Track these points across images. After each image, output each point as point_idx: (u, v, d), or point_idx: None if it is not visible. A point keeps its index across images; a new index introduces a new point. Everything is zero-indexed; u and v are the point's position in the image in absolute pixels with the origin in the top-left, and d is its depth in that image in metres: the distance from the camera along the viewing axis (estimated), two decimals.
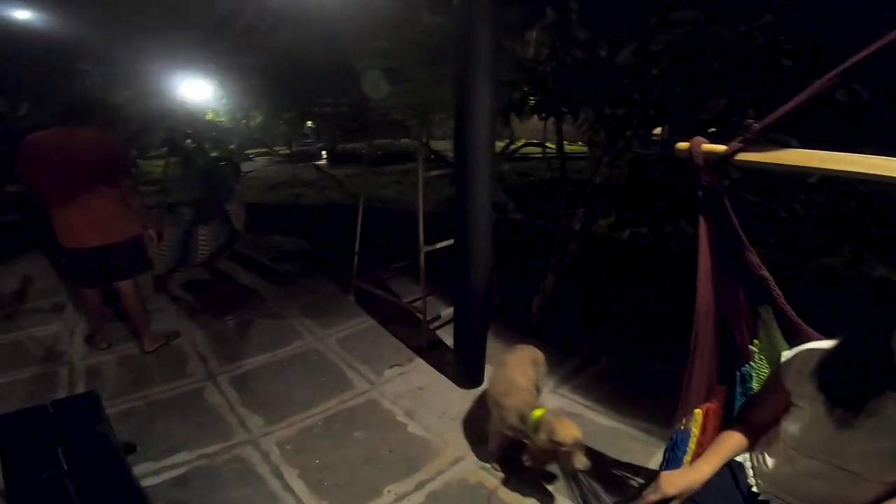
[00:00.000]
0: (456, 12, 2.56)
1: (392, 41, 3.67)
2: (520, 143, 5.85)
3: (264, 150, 10.64)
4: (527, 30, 3.24)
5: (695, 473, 1.46)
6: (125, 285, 3.35)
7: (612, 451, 2.48)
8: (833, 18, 2.38)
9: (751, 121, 1.45)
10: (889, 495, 1.23)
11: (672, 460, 1.61)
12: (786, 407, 1.41)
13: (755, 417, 1.54)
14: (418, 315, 3.55)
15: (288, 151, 12.07)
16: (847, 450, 1.27)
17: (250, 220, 5.03)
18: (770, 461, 1.43)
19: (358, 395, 2.98)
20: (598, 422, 2.72)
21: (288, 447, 2.55)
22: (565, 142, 3.61)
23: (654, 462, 2.39)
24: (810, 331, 1.51)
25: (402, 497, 2.23)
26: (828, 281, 4.15)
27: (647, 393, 2.94)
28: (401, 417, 2.76)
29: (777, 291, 1.53)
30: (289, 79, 4.95)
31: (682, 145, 1.59)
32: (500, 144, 6.04)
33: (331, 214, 7.58)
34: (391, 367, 3.25)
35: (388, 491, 2.26)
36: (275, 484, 2.32)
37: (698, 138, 1.55)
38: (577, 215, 3.85)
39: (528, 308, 3.69)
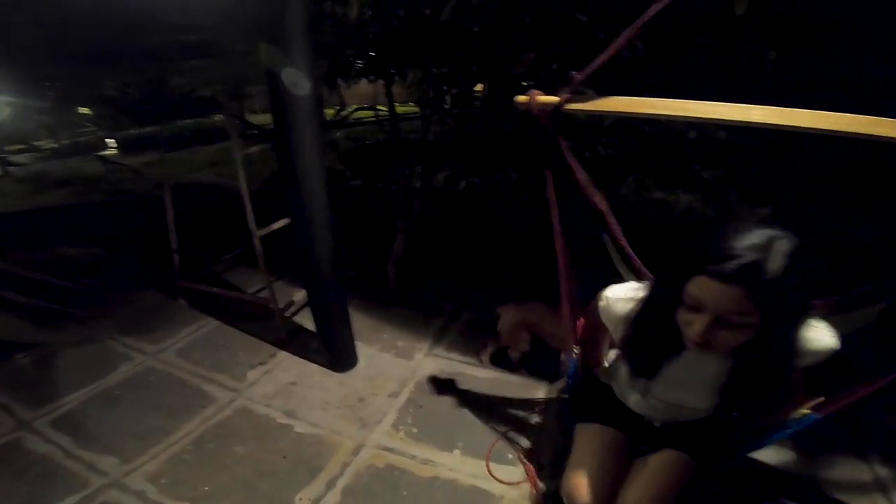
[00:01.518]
0: None
1: (192, 14, 3.23)
2: (351, 109, 5.62)
3: (22, 146, 8.75)
4: None
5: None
6: None
7: (497, 401, 2.60)
8: None
9: (573, 73, 1.59)
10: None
11: (570, 387, 1.91)
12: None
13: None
14: (268, 306, 3.27)
15: (55, 145, 10.05)
16: (662, 392, 1.52)
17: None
18: (621, 376, 1.67)
19: (223, 407, 2.65)
20: (478, 375, 2.82)
21: (163, 481, 2.21)
22: (398, 103, 3.54)
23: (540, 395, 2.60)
24: (637, 260, 1.72)
25: (316, 502, 2.08)
26: (623, 208, 4.82)
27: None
28: (282, 419, 2.54)
29: (612, 221, 1.73)
30: (45, 59, 4.09)
31: (522, 98, 1.71)
32: (330, 112, 5.75)
33: (131, 211, 6.57)
34: (253, 367, 2.95)
35: (300, 499, 2.09)
36: None
37: (534, 91, 1.67)
38: (415, 174, 3.84)
39: (385, 275, 3.63)
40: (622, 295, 1.48)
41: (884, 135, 1.24)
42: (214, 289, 3.58)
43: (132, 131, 10.56)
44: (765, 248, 1.06)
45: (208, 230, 4.47)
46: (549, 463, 2.21)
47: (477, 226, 4.68)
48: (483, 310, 3.41)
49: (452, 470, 2.21)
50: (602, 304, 1.53)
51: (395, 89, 3.48)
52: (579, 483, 1.55)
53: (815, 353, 1.26)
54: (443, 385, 2.75)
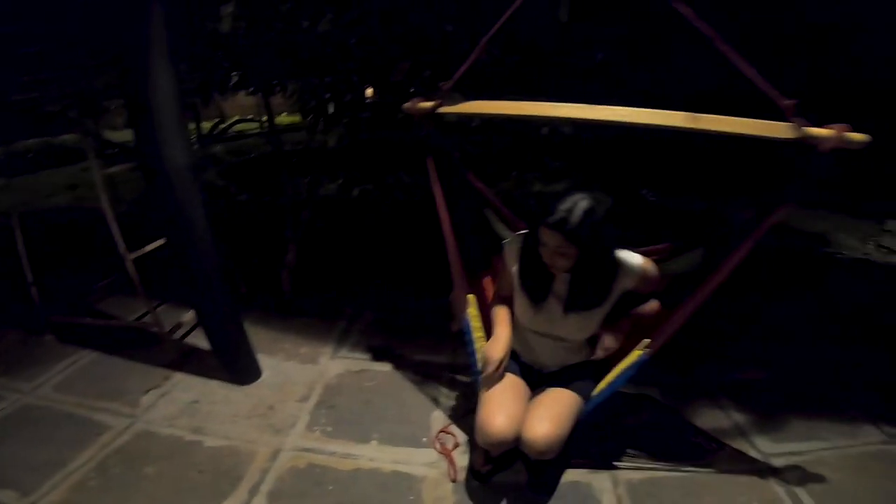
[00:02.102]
0: None
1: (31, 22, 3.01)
2: (231, 121, 5.40)
3: None
4: (223, 4, 3.03)
5: (501, 338, 2.04)
6: None
7: (403, 390, 2.76)
8: None
9: (442, 83, 2.04)
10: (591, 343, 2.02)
11: (469, 342, 2.23)
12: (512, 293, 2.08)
13: (505, 294, 2.13)
14: (153, 330, 3.12)
15: None
16: (549, 324, 1.99)
17: None
18: (518, 334, 2.11)
19: (120, 433, 2.50)
20: (383, 370, 2.95)
21: None
22: (284, 113, 3.60)
23: (443, 389, 2.77)
24: (512, 215, 2.33)
25: None
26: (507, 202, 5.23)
27: (414, 330, 3.31)
28: (190, 437, 2.46)
29: (492, 196, 2.29)
30: None
31: (406, 105, 2.16)
32: (207, 125, 5.46)
33: None
34: (146, 392, 2.80)
35: None
36: None
37: (416, 98, 2.13)
38: (302, 184, 3.87)
39: (280, 286, 3.61)
40: (515, 237, 2.03)
41: (674, 125, 1.73)
42: (89, 319, 3.33)
43: None
44: (570, 208, 1.67)
45: (74, 259, 4.10)
46: (465, 440, 2.39)
47: (372, 230, 4.78)
48: (385, 308, 3.60)
49: (372, 460, 2.30)
50: (506, 242, 2.05)
51: (278, 100, 3.52)
52: (489, 416, 1.89)
53: (629, 268, 1.87)
54: (351, 383, 2.83)
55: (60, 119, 3.79)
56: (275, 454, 2.35)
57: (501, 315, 2.11)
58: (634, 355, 1.91)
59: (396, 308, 3.62)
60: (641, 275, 1.88)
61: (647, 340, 1.89)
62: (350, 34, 3.04)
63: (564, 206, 1.68)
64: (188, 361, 3.08)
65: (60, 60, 3.23)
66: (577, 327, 1.98)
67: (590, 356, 2.04)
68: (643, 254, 1.94)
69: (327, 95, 3.43)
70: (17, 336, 3.46)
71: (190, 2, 2.69)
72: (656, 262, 1.95)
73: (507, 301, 2.12)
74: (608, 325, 1.99)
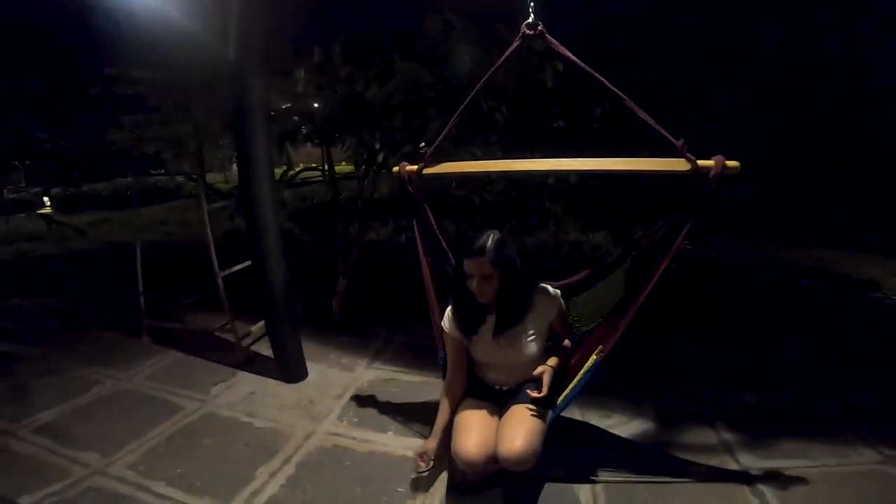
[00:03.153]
0: (232, 66, 3.02)
1: (150, 68, 3.71)
2: (298, 168, 6.24)
3: None
4: (296, 69, 3.77)
5: (434, 433, 2.39)
6: None
7: (423, 396, 3.20)
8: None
9: (424, 147, 2.52)
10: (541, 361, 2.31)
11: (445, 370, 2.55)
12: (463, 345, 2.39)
13: (454, 359, 2.46)
14: (227, 338, 3.79)
15: None
16: (495, 353, 2.32)
17: None
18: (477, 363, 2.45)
19: (191, 413, 3.12)
20: (409, 380, 3.44)
21: (140, 468, 2.63)
22: (343, 162, 4.25)
23: None
24: None
25: (273, 474, 2.55)
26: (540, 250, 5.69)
27: (435, 352, 3.74)
28: (244, 419, 3.03)
29: (444, 245, 2.60)
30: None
31: (395, 169, 2.57)
32: (277, 171, 6.33)
33: (78, 267, 6.90)
34: (215, 384, 3.44)
35: (260, 473, 2.56)
36: (146, 497, 2.41)
37: (404, 162, 2.55)
38: (353, 227, 4.49)
39: (331, 311, 4.22)
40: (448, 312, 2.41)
41: (644, 169, 2.12)
42: (178, 325, 4.06)
43: (69, 189, 10.61)
44: (484, 240, 2.12)
45: (164, 283, 4.93)
46: None
47: (409, 270, 5.35)
48: (414, 334, 4.10)
49: (387, 445, 2.75)
50: (443, 322, 2.43)
51: (337, 152, 4.19)
52: (462, 444, 2.16)
53: (545, 292, 2.30)
54: (379, 388, 3.33)
55: (151, 160, 4.40)
56: (308, 436, 2.86)
57: (442, 407, 2.43)
58: (591, 360, 2.26)
59: (424, 335, 4.09)
60: (558, 300, 2.32)
61: (600, 347, 2.27)
62: (391, 98, 3.63)
63: (479, 240, 2.14)
64: (251, 364, 3.71)
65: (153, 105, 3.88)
66: (513, 350, 2.30)
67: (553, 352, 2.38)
68: (564, 284, 2.40)
69: (378, 147, 4.04)
70: (116, 338, 4.28)
71: (269, 71, 3.37)
72: (579, 289, 2.41)
73: (458, 369, 2.45)
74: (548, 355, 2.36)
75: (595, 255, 5.72)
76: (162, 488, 2.47)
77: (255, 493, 2.42)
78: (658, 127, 2.06)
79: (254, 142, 3.09)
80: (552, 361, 2.31)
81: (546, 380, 2.20)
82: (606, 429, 2.86)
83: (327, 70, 3.69)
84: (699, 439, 2.76)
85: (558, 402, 2.33)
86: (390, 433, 2.86)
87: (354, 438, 2.82)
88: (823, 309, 4.39)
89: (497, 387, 2.43)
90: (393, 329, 4.23)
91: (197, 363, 3.77)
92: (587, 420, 2.93)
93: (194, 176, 5.82)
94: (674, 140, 2.02)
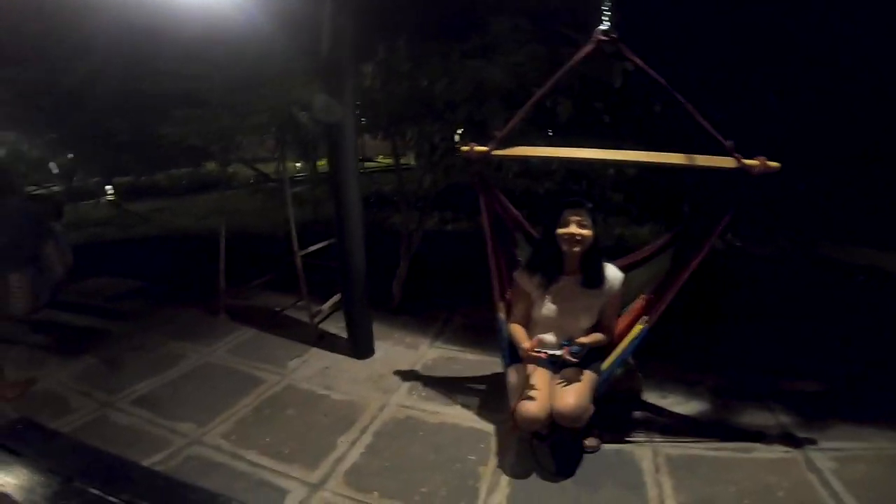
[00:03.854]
0: (326, 52, 3.23)
1: (199, 63, 3.86)
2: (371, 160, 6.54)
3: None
4: (363, 63, 3.97)
5: (525, 338, 2.54)
6: None
7: (484, 373, 3.42)
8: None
9: (496, 132, 2.66)
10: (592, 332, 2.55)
11: (501, 336, 2.78)
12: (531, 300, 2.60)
13: (519, 314, 2.69)
14: (296, 317, 4.07)
15: (59, 188, 10.69)
16: (554, 315, 2.53)
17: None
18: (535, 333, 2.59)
19: (272, 385, 3.41)
20: (469, 358, 3.68)
21: (233, 437, 2.91)
22: (382, 156, 4.46)
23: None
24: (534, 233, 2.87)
25: (353, 442, 2.81)
26: None
27: (491, 333, 3.82)
28: (321, 391, 3.31)
29: (525, 224, 2.87)
30: (70, 106, 4.64)
31: (464, 148, 2.74)
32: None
33: (147, 251, 7.39)
34: (292, 359, 3.73)
35: (341, 441, 2.82)
36: (241, 465, 2.68)
37: (472, 143, 2.72)
38: (414, 215, 4.70)
39: (390, 294, 4.48)
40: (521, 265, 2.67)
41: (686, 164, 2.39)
42: (254, 303, 4.38)
43: (126, 179, 11.15)
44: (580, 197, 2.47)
45: (234, 265, 5.26)
46: None
47: (463, 257, 5.57)
48: (471, 316, 4.32)
49: (455, 417, 2.99)
50: (516, 272, 2.66)
51: (385, 143, 4.41)
52: (522, 403, 2.34)
53: (615, 274, 2.51)
54: (443, 365, 3.59)
55: (201, 152, 4.62)
56: (381, 407, 3.11)
57: (520, 330, 2.62)
58: (636, 330, 2.51)
59: (481, 317, 4.31)
60: (620, 282, 2.52)
61: (645, 317, 2.51)
62: (457, 94, 3.80)
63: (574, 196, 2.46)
64: (322, 340, 4.00)
65: (202, 98, 4.10)
66: (571, 317, 2.52)
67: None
68: (621, 264, 2.62)
69: (434, 142, 4.23)
70: (198, 314, 4.64)
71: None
72: (630, 268, 2.66)
73: (523, 316, 2.66)
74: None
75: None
76: (254, 456, 2.73)
77: (339, 460, 2.67)
78: (710, 128, 2.27)
79: (344, 131, 3.34)
80: (595, 336, 2.53)
81: (586, 341, 2.44)
82: (665, 407, 3.03)
83: (391, 66, 3.89)
84: (756, 420, 2.90)
85: (605, 366, 2.54)
86: (457, 407, 3.09)
87: (424, 410, 3.06)
88: (878, 303, 4.39)
89: (549, 351, 2.55)
90: (450, 311, 4.47)
91: (272, 339, 4.08)
92: (645, 399, 3.10)
93: (255, 166, 6.13)
94: (724, 141, 2.24)
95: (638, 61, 2.30)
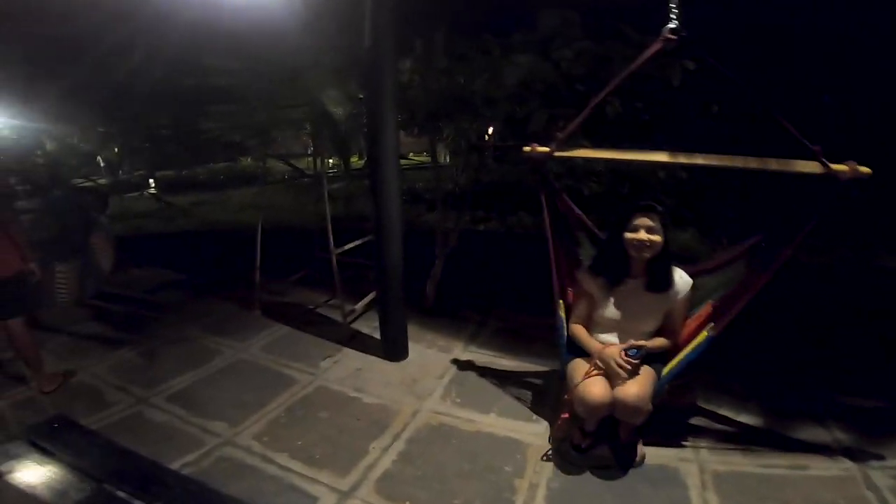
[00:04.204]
0: (367, 47, 3.16)
1: (237, 59, 3.84)
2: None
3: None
4: (401, 59, 3.90)
5: (595, 344, 2.51)
6: (14, 324, 3.26)
7: (520, 380, 3.32)
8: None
9: (557, 133, 2.59)
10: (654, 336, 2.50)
11: (560, 334, 2.73)
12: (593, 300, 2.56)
13: (581, 314, 2.64)
14: (329, 315, 4.05)
15: (104, 181, 11.00)
16: (626, 311, 2.48)
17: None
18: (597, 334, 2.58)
19: (304, 386, 3.37)
20: (504, 364, 3.57)
21: (265, 439, 2.88)
22: (412, 153, 4.39)
23: (553, 382, 3.27)
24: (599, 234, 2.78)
25: (386, 449, 2.75)
26: None
27: (527, 338, 3.90)
28: (353, 394, 3.25)
29: (589, 224, 2.79)
30: (116, 100, 4.71)
31: (526, 149, 2.67)
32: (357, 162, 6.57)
33: (187, 243, 7.51)
34: (324, 359, 3.69)
35: (373, 447, 2.76)
36: (271, 468, 2.64)
37: (534, 144, 2.65)
38: (451, 215, 4.62)
39: (423, 295, 4.41)
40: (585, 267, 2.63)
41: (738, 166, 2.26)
42: (287, 300, 4.38)
43: (168, 172, 11.44)
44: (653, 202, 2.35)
45: (268, 260, 5.28)
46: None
47: (496, 258, 5.48)
48: (506, 320, 4.22)
49: (491, 426, 2.90)
50: (580, 271, 2.62)
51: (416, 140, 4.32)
52: (587, 387, 2.31)
53: (683, 279, 2.45)
54: (478, 369, 3.48)
55: (238, 147, 4.66)
56: (414, 413, 3.04)
57: (584, 333, 2.59)
58: (702, 336, 2.45)
59: (516, 321, 4.25)
60: (689, 289, 2.45)
61: (712, 324, 2.46)
62: (499, 91, 3.70)
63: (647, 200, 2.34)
64: (355, 340, 3.95)
65: (251, 94, 4.09)
66: (649, 310, 2.47)
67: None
68: (693, 272, 2.53)
69: (474, 138, 4.14)
70: (232, 309, 4.65)
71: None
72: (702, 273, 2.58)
73: (584, 317, 2.61)
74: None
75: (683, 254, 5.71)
76: (285, 460, 2.68)
77: (370, 467, 2.61)
78: (795, 131, 2.16)
79: (384, 127, 3.27)
80: (658, 341, 2.47)
81: (648, 345, 2.39)
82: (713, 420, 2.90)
83: (429, 61, 3.81)
84: (810, 436, 2.76)
85: (665, 370, 2.48)
86: (492, 414, 3.00)
87: (459, 418, 2.97)
88: None
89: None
90: (484, 314, 4.38)
91: (305, 337, 4.05)
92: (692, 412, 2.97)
93: (290, 161, 6.15)
94: (810, 145, 2.14)
95: (713, 62, 2.19)
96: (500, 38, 3.58)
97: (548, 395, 3.17)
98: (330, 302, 4.28)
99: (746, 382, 3.23)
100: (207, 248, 7.15)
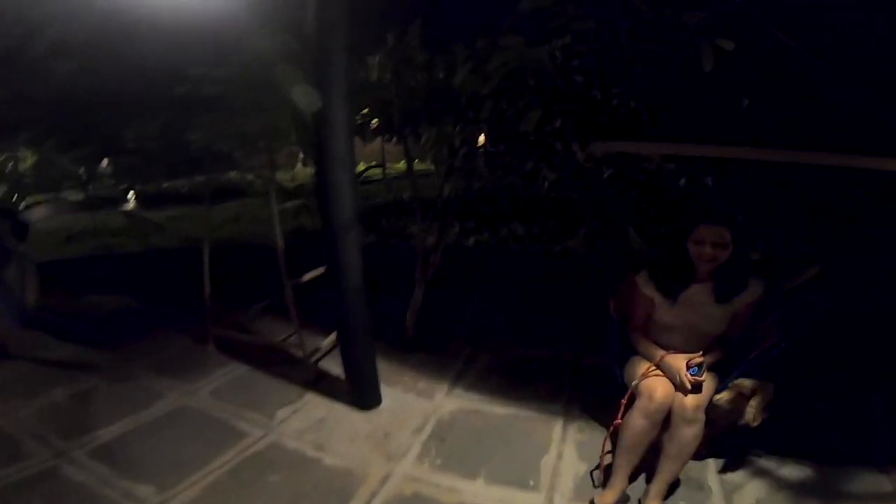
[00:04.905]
0: (314, 40, 2.65)
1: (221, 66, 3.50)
2: (361, 168, 5.94)
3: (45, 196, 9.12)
4: (370, 54, 3.38)
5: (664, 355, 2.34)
6: None
7: (515, 434, 2.76)
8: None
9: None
10: (716, 342, 2.37)
11: (612, 338, 2.53)
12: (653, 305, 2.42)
13: (640, 315, 2.50)
14: (295, 352, 3.48)
15: (80, 197, 10.43)
16: (681, 319, 2.35)
17: (44, 285, 4.26)
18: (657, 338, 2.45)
19: (255, 441, 2.79)
20: (496, 412, 2.98)
21: None
22: (396, 162, 3.86)
23: (555, 435, 2.74)
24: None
25: None
26: None
27: (528, 377, 3.33)
28: (312, 452, 2.67)
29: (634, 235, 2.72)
30: (82, 109, 4.32)
31: (590, 148, 2.65)
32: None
33: (156, 264, 6.94)
34: (282, 406, 3.11)
35: None
36: None
37: (597, 142, 2.57)
38: (432, 229, 4.07)
39: (403, 324, 3.83)
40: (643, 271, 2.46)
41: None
42: (244, 335, 3.80)
43: (150, 186, 10.94)
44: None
45: (235, 283, 4.71)
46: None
47: (488, 276, 4.89)
48: (500, 353, 3.66)
49: (477, 496, 2.33)
50: (639, 275, 2.45)
51: (397, 148, 3.79)
52: (652, 382, 2.21)
53: (753, 286, 2.28)
54: (464, 420, 2.90)
55: (226, 158, 4.25)
56: (385, 479, 2.46)
57: (644, 340, 2.46)
58: (771, 344, 2.21)
59: (512, 354, 3.67)
60: (760, 290, 2.29)
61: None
62: (484, 85, 3.20)
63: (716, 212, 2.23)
64: (321, 383, 3.36)
65: (230, 102, 3.69)
66: (714, 315, 2.32)
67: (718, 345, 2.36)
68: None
69: (456, 145, 3.61)
70: (185, 344, 4.05)
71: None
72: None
73: (643, 323, 2.49)
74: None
75: None
76: None
77: None
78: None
79: (333, 133, 2.71)
80: (718, 354, 2.34)
81: (709, 360, 2.26)
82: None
83: (403, 56, 3.29)
84: (869, 486, 2.31)
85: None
86: (480, 480, 2.43)
87: (439, 486, 2.40)
88: None
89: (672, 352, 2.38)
90: (474, 347, 3.78)
91: (263, 379, 3.46)
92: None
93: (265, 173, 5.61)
94: None
95: (778, 33, 1.75)
96: (484, 25, 3.06)
97: (549, 451, 2.61)
98: (289, 339, 3.71)
99: (797, 426, 2.69)
100: (175, 269, 6.45)
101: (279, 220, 3.44)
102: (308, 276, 3.49)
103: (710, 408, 2.24)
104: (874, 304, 3.26)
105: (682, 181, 4.09)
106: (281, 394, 3.25)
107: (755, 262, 2.40)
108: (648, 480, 2.24)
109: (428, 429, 2.84)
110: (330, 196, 2.78)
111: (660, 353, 2.34)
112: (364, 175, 6.09)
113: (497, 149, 3.90)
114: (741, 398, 2.36)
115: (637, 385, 2.26)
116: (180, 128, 3.80)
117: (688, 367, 2.18)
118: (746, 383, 2.38)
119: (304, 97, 2.65)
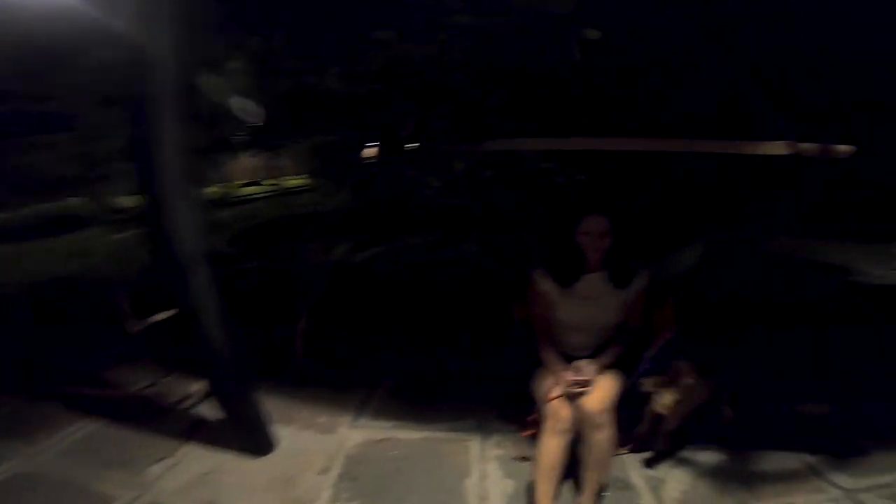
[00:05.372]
0: (132, 44, 2.17)
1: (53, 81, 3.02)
2: (237, 185, 5.37)
3: None
4: (228, 62, 3.04)
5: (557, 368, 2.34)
6: None
7: (432, 458, 2.56)
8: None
9: None
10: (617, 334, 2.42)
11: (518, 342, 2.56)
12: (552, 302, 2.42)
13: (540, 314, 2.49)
14: (160, 401, 2.97)
15: None
16: (579, 313, 2.39)
17: None
18: (558, 336, 2.46)
19: None
20: (408, 437, 2.76)
21: None
22: (288, 176, 3.56)
23: (473, 454, 2.59)
24: None
25: None
26: None
27: (437, 396, 3.16)
28: None
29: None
30: None
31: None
32: (216, 191, 5.43)
33: None
34: (155, 462, 2.59)
35: None
36: None
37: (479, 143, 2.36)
38: (311, 249, 3.76)
39: (293, 354, 3.45)
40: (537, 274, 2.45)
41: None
42: (93, 389, 3.18)
43: None
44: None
45: (82, 326, 3.97)
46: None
47: (383, 294, 4.61)
48: (404, 374, 3.45)
49: None
50: (534, 271, 2.45)
51: (285, 161, 3.50)
52: (556, 402, 2.15)
53: (641, 274, 2.37)
54: (375, 453, 2.64)
55: (66, 183, 3.76)
56: None
57: (551, 353, 2.40)
58: (664, 337, 2.38)
59: (417, 373, 3.48)
60: (647, 278, 2.39)
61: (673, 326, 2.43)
62: (358, 88, 3.02)
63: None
64: (198, 432, 2.87)
65: (71, 121, 3.23)
66: (609, 304, 2.38)
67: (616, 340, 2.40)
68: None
69: (335, 155, 3.39)
70: (22, 404, 3.25)
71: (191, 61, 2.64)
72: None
73: (547, 325, 2.46)
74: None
75: None
76: None
77: None
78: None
79: (160, 150, 2.20)
80: (615, 352, 2.37)
81: (606, 362, 2.32)
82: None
83: (269, 61, 3.02)
84: (779, 465, 2.45)
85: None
86: None
87: None
88: None
89: (575, 353, 2.42)
90: (376, 371, 3.49)
91: (125, 435, 2.86)
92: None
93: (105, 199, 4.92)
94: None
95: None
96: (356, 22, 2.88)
97: (471, 473, 2.44)
98: (151, 387, 3.17)
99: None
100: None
101: (128, 250, 2.98)
102: (158, 318, 3.02)
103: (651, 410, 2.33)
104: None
105: (561, 179, 4.20)
106: (150, 449, 2.71)
107: (641, 246, 2.51)
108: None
109: (336, 467, 2.53)
110: (167, 231, 2.28)
111: (559, 368, 2.30)
112: (241, 193, 5.54)
113: (380, 158, 3.74)
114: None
115: (544, 409, 2.21)
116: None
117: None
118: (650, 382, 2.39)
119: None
